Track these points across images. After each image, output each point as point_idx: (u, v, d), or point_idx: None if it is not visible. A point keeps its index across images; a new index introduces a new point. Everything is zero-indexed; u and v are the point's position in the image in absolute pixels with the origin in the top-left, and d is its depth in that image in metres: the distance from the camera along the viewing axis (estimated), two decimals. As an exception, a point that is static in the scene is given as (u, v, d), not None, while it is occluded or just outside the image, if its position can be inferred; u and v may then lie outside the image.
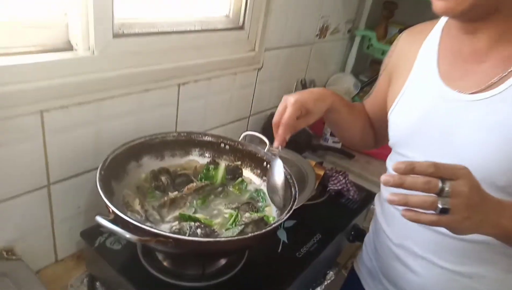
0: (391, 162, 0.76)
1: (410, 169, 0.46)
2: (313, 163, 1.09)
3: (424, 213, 0.48)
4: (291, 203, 0.66)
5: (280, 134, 0.65)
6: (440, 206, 0.46)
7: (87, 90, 0.68)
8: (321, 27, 1.32)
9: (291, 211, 0.64)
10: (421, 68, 0.68)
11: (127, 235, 0.50)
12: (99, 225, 0.53)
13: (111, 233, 0.64)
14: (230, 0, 0.97)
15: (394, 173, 0.48)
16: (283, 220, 0.62)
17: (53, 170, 0.70)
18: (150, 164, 0.78)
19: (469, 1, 0.53)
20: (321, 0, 1.26)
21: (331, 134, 1.29)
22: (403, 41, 0.75)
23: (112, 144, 0.71)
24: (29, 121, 0.63)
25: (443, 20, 0.68)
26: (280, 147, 0.67)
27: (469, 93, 0.60)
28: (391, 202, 0.48)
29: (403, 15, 1.52)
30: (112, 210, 0.54)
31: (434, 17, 0.71)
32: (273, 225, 0.60)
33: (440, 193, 0.46)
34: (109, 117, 0.75)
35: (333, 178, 1.07)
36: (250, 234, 0.59)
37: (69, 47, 0.68)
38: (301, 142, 1.23)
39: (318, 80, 1.45)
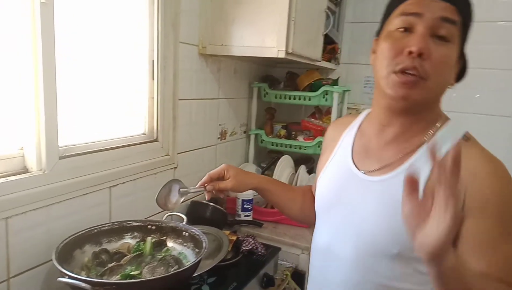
0: (315, 230, 0.88)
1: None
2: (228, 232, 1.37)
3: None
4: (202, 250, 0.93)
5: (203, 180, 0.90)
6: None
7: (40, 198, 0.93)
8: (220, 131, 1.75)
9: (203, 253, 0.92)
10: (341, 149, 0.85)
11: (83, 284, 0.72)
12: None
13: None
14: (145, 122, 1.34)
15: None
16: (199, 258, 0.89)
17: (13, 265, 0.88)
18: (91, 250, 0.99)
19: (422, 96, 0.67)
20: (217, 113, 1.71)
21: (242, 210, 1.61)
22: (331, 128, 0.95)
23: (61, 239, 0.93)
24: (-5, 226, 0.85)
25: (361, 117, 0.87)
26: (196, 187, 0.91)
27: (371, 174, 0.75)
28: None
29: (282, 115, 2.08)
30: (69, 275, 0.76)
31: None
32: (191, 263, 0.86)
33: None
34: (57, 217, 0.99)
35: (245, 241, 1.35)
36: (172, 271, 0.84)
37: (25, 171, 0.94)
38: (219, 220, 1.52)
39: (227, 171, 1.83)
